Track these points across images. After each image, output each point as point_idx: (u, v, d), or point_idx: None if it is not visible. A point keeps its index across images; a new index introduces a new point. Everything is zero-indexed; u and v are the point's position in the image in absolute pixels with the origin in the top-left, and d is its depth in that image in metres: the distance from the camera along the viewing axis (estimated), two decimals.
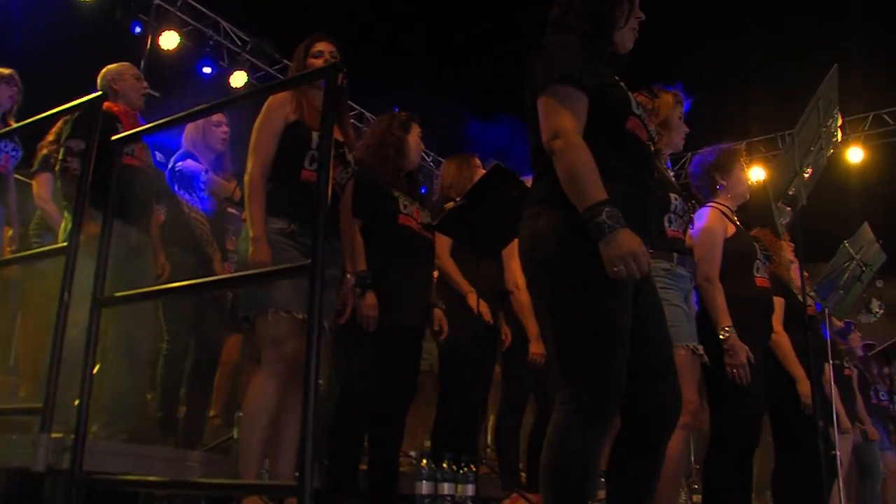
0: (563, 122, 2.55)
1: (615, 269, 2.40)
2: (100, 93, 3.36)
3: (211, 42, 10.81)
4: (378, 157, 4.26)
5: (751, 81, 11.12)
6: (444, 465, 3.47)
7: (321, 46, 3.74)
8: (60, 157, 4.31)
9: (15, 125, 4.88)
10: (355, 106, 12.40)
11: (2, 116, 5.07)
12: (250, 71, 10.91)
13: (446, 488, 3.43)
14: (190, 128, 5.07)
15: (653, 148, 2.81)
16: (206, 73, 10.83)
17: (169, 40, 10.20)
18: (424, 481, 3.43)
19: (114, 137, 3.13)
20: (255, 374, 3.44)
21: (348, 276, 3.74)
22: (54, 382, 2.95)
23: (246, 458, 3.29)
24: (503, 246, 4.25)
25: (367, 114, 12.23)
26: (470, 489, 3.51)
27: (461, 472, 3.51)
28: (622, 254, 2.39)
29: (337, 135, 3.63)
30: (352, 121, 12.32)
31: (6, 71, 5.19)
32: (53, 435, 2.92)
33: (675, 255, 3.86)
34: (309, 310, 2.25)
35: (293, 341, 3.33)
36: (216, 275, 4.53)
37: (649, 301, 2.70)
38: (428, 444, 6.05)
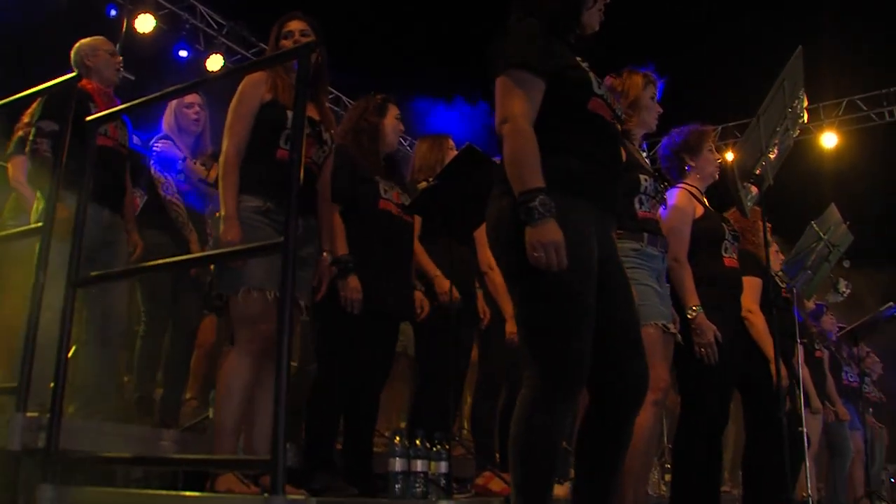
0: (513, 107, 2.61)
1: (536, 255, 2.46)
2: (74, 73, 3.38)
3: (187, 25, 10.75)
4: (355, 142, 4.28)
5: (726, 65, 11.20)
6: (417, 442, 3.51)
7: (292, 25, 3.74)
8: (31, 137, 4.28)
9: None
10: (332, 90, 12.39)
11: None
12: (227, 54, 10.87)
13: (419, 465, 3.46)
14: (167, 111, 5.06)
15: (620, 128, 2.85)
16: (182, 57, 10.77)
17: (144, 23, 10.12)
18: (397, 458, 3.46)
19: (88, 118, 3.16)
20: (229, 353, 3.48)
21: (325, 254, 3.76)
22: (29, 363, 2.99)
23: (221, 436, 3.32)
24: (475, 227, 4.26)
25: (344, 98, 12.22)
26: (443, 466, 3.54)
27: (434, 449, 3.54)
28: (545, 242, 2.45)
29: (313, 113, 3.66)
30: (329, 105, 12.32)
31: None
32: (29, 414, 2.95)
33: (645, 235, 3.91)
34: (281, 287, 2.30)
35: (266, 320, 3.35)
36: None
37: (615, 280, 2.75)
38: (402, 425, 6.11)
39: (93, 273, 3.04)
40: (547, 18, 2.75)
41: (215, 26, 11.01)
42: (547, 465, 2.54)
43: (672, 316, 4.03)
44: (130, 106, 3.20)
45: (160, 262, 2.94)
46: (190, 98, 5.07)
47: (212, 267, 3.65)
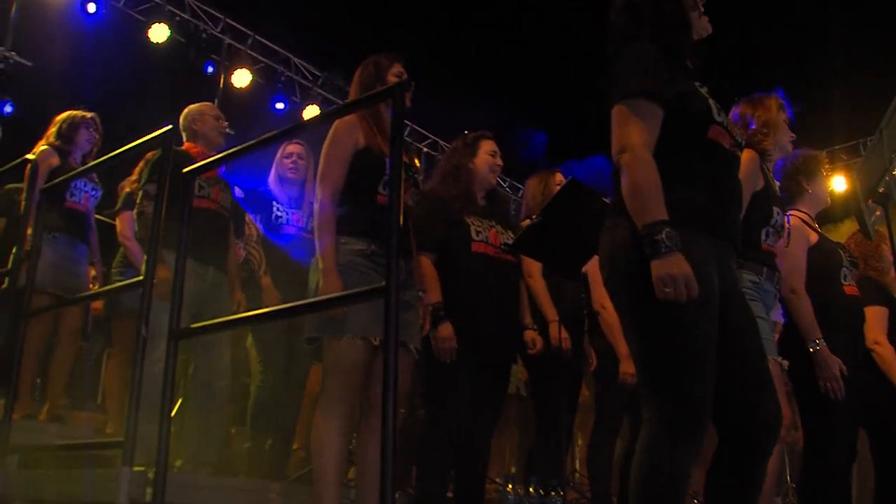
0: (631, 136, 2.51)
1: (666, 290, 2.33)
2: (169, 127, 3.38)
3: (283, 78, 10.97)
4: (447, 184, 4.21)
5: (832, 88, 10.85)
6: (531, 489, 3.37)
7: (394, 69, 3.67)
8: (138, 200, 4.37)
9: (90, 164, 4.94)
10: (428, 134, 12.45)
11: (82, 158, 5.19)
12: (323, 105, 11.02)
13: None
14: (275, 160, 5.11)
15: (739, 154, 2.71)
16: (279, 109, 10.96)
17: (241, 78, 10.40)
18: None
19: (185, 170, 3.14)
20: (319, 403, 3.39)
21: (421, 293, 3.67)
22: (135, 416, 2.95)
23: (321, 488, 3.22)
24: (582, 265, 4.11)
25: (441, 142, 12.25)
26: None
27: (549, 496, 3.40)
28: (675, 275, 2.33)
29: (406, 159, 3.59)
30: (426, 150, 12.43)
31: (87, 114, 5.34)
32: (135, 468, 2.92)
33: (764, 269, 3.74)
34: (385, 331, 2.21)
35: (361, 371, 3.28)
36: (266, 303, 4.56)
37: (740, 313, 2.60)
38: (514, 469, 5.97)
39: (193, 325, 2.99)
40: (660, 41, 2.64)
41: (310, 77, 11.19)
42: None
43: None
44: (223, 156, 3.18)
45: (255, 312, 2.89)
46: (291, 148, 5.09)
47: None
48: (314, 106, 10.97)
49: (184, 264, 2.99)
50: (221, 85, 10.31)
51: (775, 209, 3.80)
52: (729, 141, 2.65)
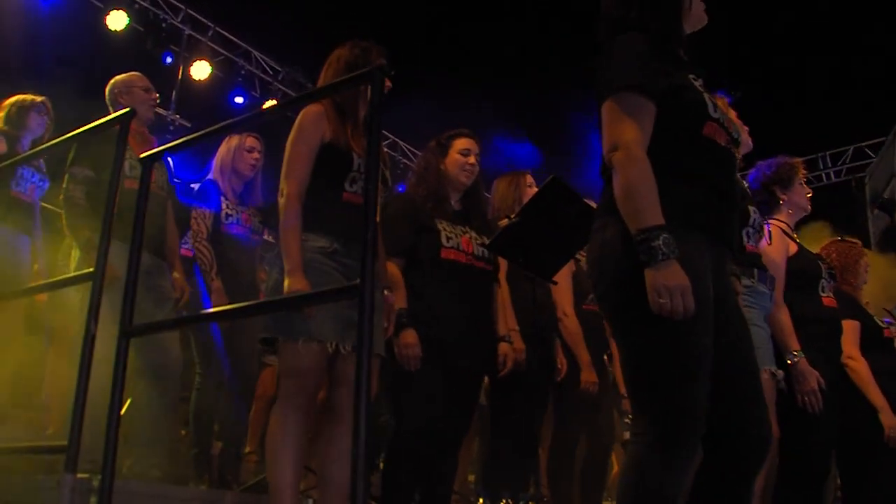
0: (624, 133, 2.37)
1: (661, 301, 2.18)
2: (128, 110, 3.17)
3: (243, 72, 10.79)
4: (418, 186, 4.01)
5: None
6: (503, 503, 3.20)
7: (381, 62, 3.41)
8: (64, 185, 4.08)
9: (37, 148, 4.65)
10: (388, 135, 12.25)
11: (32, 144, 4.91)
12: (282, 100, 10.80)
13: None
14: (220, 153, 4.82)
15: (735, 151, 2.56)
16: (238, 104, 10.75)
17: (200, 70, 10.20)
18: None
19: (141, 155, 2.93)
20: (274, 408, 3.20)
21: (385, 292, 3.49)
22: (79, 419, 2.74)
23: (277, 498, 3.04)
24: (560, 267, 3.94)
25: (402, 143, 12.06)
26: None
27: None
28: (671, 286, 2.18)
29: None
30: (386, 150, 12.21)
31: (38, 98, 5.06)
32: (79, 475, 2.71)
33: (755, 270, 3.62)
34: (359, 331, 2.02)
35: (317, 376, 3.11)
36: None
37: (733, 321, 2.45)
38: (471, 478, 5.79)
39: (146, 322, 2.78)
40: (652, 31, 2.48)
41: (271, 72, 10.99)
42: None
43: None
44: (181, 142, 2.98)
45: (216, 310, 2.69)
46: (251, 141, 4.85)
47: None
48: (274, 101, 10.76)
49: (138, 257, 2.78)
50: (180, 76, 10.08)
51: (751, 208, 3.68)
52: (725, 138, 2.50)
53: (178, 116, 10.09)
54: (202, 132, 2.79)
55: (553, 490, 4.61)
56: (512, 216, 3.81)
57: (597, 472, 4.64)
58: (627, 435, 3.68)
